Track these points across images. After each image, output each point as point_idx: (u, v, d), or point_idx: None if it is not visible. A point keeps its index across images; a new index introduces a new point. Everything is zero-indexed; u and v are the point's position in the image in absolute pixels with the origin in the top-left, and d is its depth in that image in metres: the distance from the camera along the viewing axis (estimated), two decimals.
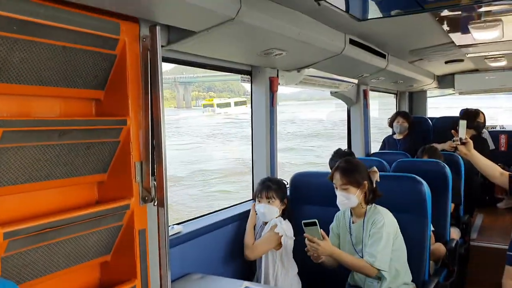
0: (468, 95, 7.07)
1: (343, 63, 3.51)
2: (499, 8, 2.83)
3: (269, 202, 3.00)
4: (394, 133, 5.62)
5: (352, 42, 3.17)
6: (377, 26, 2.96)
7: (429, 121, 6.31)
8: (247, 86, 3.52)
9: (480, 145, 5.24)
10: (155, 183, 1.94)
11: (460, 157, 4.35)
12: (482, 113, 5.49)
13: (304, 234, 2.53)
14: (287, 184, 3.30)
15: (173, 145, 20.01)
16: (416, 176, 2.95)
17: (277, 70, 3.44)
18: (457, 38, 3.71)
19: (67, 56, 1.66)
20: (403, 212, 2.87)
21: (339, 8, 1.81)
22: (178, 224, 2.70)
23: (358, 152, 5.14)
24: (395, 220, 2.67)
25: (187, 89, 62.85)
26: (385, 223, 2.57)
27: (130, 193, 1.91)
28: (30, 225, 1.55)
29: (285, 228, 2.97)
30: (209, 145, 22.43)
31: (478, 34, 3.45)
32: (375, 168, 2.72)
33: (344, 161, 2.74)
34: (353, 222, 2.74)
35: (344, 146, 4.94)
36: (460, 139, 2.83)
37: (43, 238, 1.61)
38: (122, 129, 1.87)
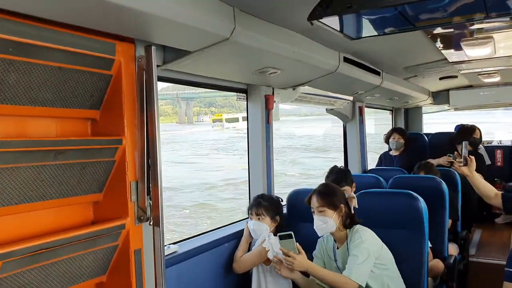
0: (467, 110, 7.13)
1: (338, 81, 3.54)
2: (490, 25, 2.88)
3: (259, 219, 3.01)
4: (390, 149, 5.63)
5: (346, 60, 3.20)
6: (371, 44, 3.00)
7: (425, 137, 6.34)
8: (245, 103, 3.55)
9: (476, 160, 5.26)
10: (151, 202, 1.93)
11: (456, 173, 4.37)
12: (478, 128, 5.52)
13: (279, 248, 2.52)
14: (282, 201, 3.29)
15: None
16: (413, 193, 2.95)
17: (273, 88, 3.47)
18: (450, 55, 3.75)
19: (63, 76, 1.67)
20: (400, 228, 2.87)
21: (332, 28, 1.84)
22: (174, 243, 2.69)
23: (355, 169, 5.14)
24: (376, 237, 2.66)
25: (189, 105, 63.15)
26: (363, 240, 2.57)
27: (126, 213, 1.90)
28: (24, 246, 1.54)
29: (273, 243, 2.95)
30: (228, 158, 23.89)
31: (471, 51, 3.50)
32: (353, 194, 2.75)
33: (321, 185, 2.78)
34: (337, 248, 2.73)
35: (336, 158, 4.94)
36: (464, 158, 2.84)
37: (38, 259, 1.60)
38: (118, 148, 1.88)
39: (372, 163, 5.68)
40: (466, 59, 3.90)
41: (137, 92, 1.92)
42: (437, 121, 10.42)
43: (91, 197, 1.91)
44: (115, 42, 1.82)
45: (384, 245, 2.65)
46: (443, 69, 4.51)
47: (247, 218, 3.44)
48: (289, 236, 2.50)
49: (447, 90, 6.54)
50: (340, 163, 4.89)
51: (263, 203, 3.06)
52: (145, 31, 1.83)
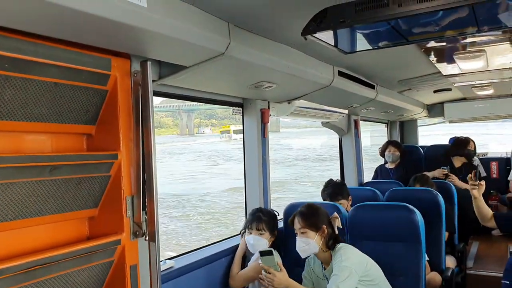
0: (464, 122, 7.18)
1: (333, 95, 3.57)
2: (482, 39, 2.92)
3: (260, 234, 2.98)
4: (386, 162, 5.64)
5: (340, 74, 3.23)
6: (365, 58, 3.03)
7: (421, 149, 6.35)
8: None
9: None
10: (146, 217, 1.93)
11: (452, 185, 4.38)
12: (472, 140, 5.55)
13: (260, 264, 2.51)
14: (278, 215, 3.28)
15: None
16: (409, 205, 2.95)
17: (268, 102, 3.49)
18: (444, 68, 3.79)
19: (58, 92, 1.68)
20: (397, 241, 2.86)
21: (326, 42, 1.86)
22: (170, 259, 2.67)
23: (351, 182, 5.14)
24: (359, 254, 2.62)
25: (190, 117, 63.30)
26: (343, 259, 2.52)
27: (121, 228, 1.90)
28: (19, 262, 1.53)
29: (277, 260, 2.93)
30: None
31: (464, 64, 3.54)
32: (336, 214, 2.72)
33: (304, 206, 2.75)
34: (325, 269, 2.71)
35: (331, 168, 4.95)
36: (479, 182, 2.98)
37: (32, 276, 1.59)
38: (113, 163, 1.88)
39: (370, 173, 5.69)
40: (460, 72, 3.93)
41: (132, 107, 1.93)
42: (436, 132, 10.51)
43: (87, 213, 1.90)
44: (111, 58, 1.84)
45: (371, 261, 2.61)
46: (437, 82, 4.55)
47: (243, 232, 3.44)
48: (270, 253, 2.49)
49: (442, 103, 6.58)
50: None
51: (263, 218, 3.03)
52: (140, 47, 1.84)
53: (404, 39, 1.89)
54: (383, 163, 5.70)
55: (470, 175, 3.05)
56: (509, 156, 6.11)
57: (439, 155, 5.53)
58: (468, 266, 4.48)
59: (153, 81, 2.07)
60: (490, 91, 5.50)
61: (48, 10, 1.34)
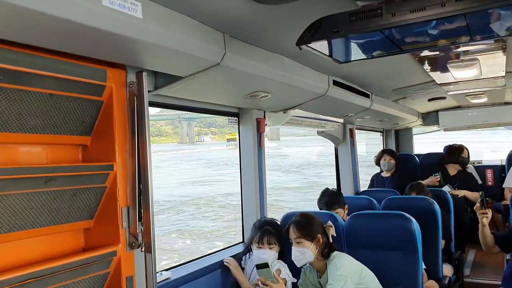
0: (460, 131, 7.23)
1: (328, 104, 3.58)
2: (475, 48, 2.95)
3: (270, 248, 2.96)
4: (381, 170, 5.65)
5: (335, 83, 3.25)
6: (360, 67, 3.05)
7: (416, 158, 6.38)
8: None
9: (467, 180, 5.31)
10: (142, 228, 1.92)
11: (448, 193, 4.39)
12: (466, 148, 5.58)
13: (257, 277, 2.50)
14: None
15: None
16: (405, 214, 2.95)
17: (264, 112, 3.50)
18: (438, 76, 3.82)
19: (53, 103, 1.68)
20: (394, 250, 2.86)
21: (320, 52, 1.88)
22: (166, 270, 2.65)
23: (348, 191, 5.15)
24: (353, 262, 2.63)
25: (190, 125, 63.28)
26: (338, 268, 2.53)
27: (117, 239, 1.89)
28: (14, 275, 1.51)
29: (288, 272, 2.92)
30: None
31: (457, 73, 3.57)
32: (330, 223, 2.73)
33: (299, 216, 2.76)
34: (320, 277, 2.71)
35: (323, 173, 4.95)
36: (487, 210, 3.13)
37: None
38: (109, 174, 1.87)
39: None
40: (453, 80, 3.96)
41: (128, 117, 1.93)
42: (435, 140, 10.60)
43: (82, 224, 1.89)
44: (106, 69, 1.84)
45: (366, 269, 2.62)
46: (431, 90, 4.58)
47: (241, 243, 3.42)
48: (266, 266, 2.49)
49: (436, 111, 6.63)
50: None
51: (272, 231, 3.00)
52: (136, 58, 1.85)
53: (398, 48, 1.91)
54: (379, 171, 5.71)
55: (477, 204, 3.14)
56: (504, 163, 6.13)
57: (435, 163, 5.56)
58: (465, 274, 4.48)
59: (148, 91, 2.07)
60: (484, 99, 5.55)
61: (44, 22, 1.35)
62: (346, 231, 3.06)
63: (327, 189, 3.89)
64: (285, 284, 2.85)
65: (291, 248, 2.66)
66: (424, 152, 6.62)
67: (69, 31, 1.45)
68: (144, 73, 1.92)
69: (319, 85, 3.06)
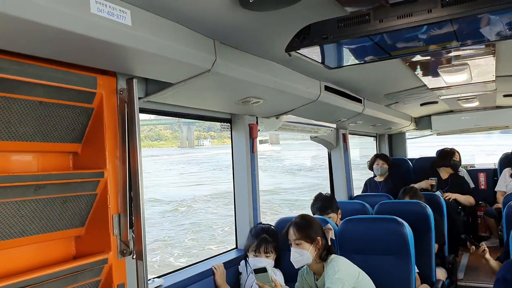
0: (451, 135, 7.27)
1: (320, 109, 3.59)
2: (466, 52, 2.97)
3: (267, 256, 2.95)
4: (375, 175, 5.67)
5: (327, 88, 3.26)
6: (351, 73, 3.06)
7: (409, 162, 6.40)
8: None
9: (460, 183, 5.34)
10: (133, 235, 1.91)
11: (441, 197, 4.41)
12: (457, 151, 5.62)
13: (255, 282, 2.51)
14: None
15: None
16: (398, 218, 2.96)
17: (256, 117, 3.50)
18: (429, 81, 3.84)
19: (44, 111, 1.68)
20: (387, 254, 2.86)
21: (309, 58, 1.89)
22: (158, 277, 2.64)
23: (341, 196, 5.15)
24: (351, 265, 2.63)
25: (190, 129, 63.08)
26: (336, 271, 2.53)
27: (108, 247, 1.88)
28: (4, 284, 1.50)
29: (280, 280, 2.92)
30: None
31: (448, 77, 3.59)
32: (329, 226, 2.74)
33: (299, 217, 2.76)
34: (317, 280, 2.71)
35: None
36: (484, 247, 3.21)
37: None
38: (100, 181, 1.87)
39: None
40: (445, 85, 3.99)
41: (119, 124, 1.92)
42: (431, 144, 10.68)
43: (73, 232, 1.88)
44: (97, 76, 1.84)
45: (363, 272, 2.63)
46: (423, 95, 4.61)
47: (234, 249, 3.42)
48: (264, 270, 2.49)
49: (429, 116, 6.66)
50: None
51: (269, 239, 2.99)
52: (126, 65, 1.85)
53: (387, 54, 1.92)
54: (372, 176, 5.73)
55: (472, 247, 3.30)
56: (496, 167, 6.17)
57: (428, 167, 5.58)
58: (459, 277, 4.49)
59: (139, 98, 2.07)
60: (475, 104, 5.59)
61: (33, 30, 1.35)
62: (339, 236, 3.06)
63: (320, 193, 3.89)
64: None
65: (290, 250, 2.66)
66: (419, 156, 6.65)
67: (59, 39, 1.45)
68: (135, 80, 1.93)
69: (311, 91, 3.08)
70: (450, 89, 4.33)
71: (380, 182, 5.53)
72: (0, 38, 1.38)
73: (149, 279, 2.35)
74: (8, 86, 1.51)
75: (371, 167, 5.63)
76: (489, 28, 1.73)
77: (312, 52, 1.84)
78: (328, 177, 5.46)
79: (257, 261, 2.94)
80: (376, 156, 5.64)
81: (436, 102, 5.32)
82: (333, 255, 2.65)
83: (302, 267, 2.76)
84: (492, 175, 6.20)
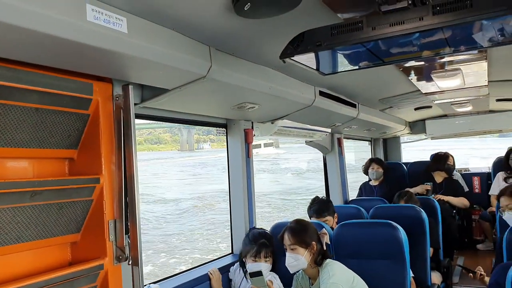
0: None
1: (315, 114, 3.62)
2: (458, 57, 3.00)
3: (266, 261, 2.96)
4: (370, 179, 5.69)
5: (322, 93, 3.29)
6: (345, 78, 3.09)
7: (404, 166, 6.43)
8: None
9: (454, 187, 5.37)
10: (129, 241, 1.91)
11: (435, 201, 4.43)
12: (451, 155, 5.65)
13: (251, 285, 2.52)
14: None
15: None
16: (392, 222, 2.98)
17: (252, 122, 3.52)
18: (423, 86, 3.88)
19: (40, 117, 1.68)
20: (382, 258, 2.88)
21: (303, 64, 1.91)
22: (154, 283, 2.64)
23: (337, 200, 5.17)
24: (346, 269, 2.65)
25: (190, 133, 62.91)
26: (330, 276, 2.54)
27: (104, 253, 1.88)
28: None
29: (279, 284, 2.93)
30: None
31: (441, 82, 3.63)
32: (324, 230, 2.75)
33: (294, 222, 2.78)
34: (312, 284, 2.72)
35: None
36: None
37: None
38: (95, 187, 1.87)
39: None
40: (438, 90, 4.03)
41: (114, 130, 1.93)
42: (430, 147, 10.77)
43: (69, 238, 1.88)
44: (93, 82, 1.85)
45: (358, 277, 2.64)
46: (417, 99, 4.64)
47: (230, 254, 3.42)
48: (259, 274, 2.51)
49: (423, 120, 6.71)
50: None
51: (267, 244, 2.99)
52: (122, 71, 1.86)
53: (380, 60, 1.94)
54: (367, 180, 5.75)
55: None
56: (490, 171, 6.21)
57: (422, 171, 5.61)
58: (454, 281, 4.51)
59: (135, 104, 2.08)
60: (469, 108, 5.63)
61: (30, 38, 1.36)
62: (335, 240, 3.08)
63: (316, 197, 3.91)
64: None
65: (285, 255, 2.67)
66: (414, 160, 6.68)
67: (55, 46, 1.46)
68: (130, 86, 1.94)
69: (306, 96, 3.10)
70: (444, 94, 4.37)
71: (375, 186, 5.55)
72: None
73: (145, 285, 2.35)
74: (4, 93, 1.52)
75: (366, 171, 5.65)
76: (481, 35, 1.75)
77: (307, 59, 1.86)
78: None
79: (256, 266, 2.94)
80: (371, 160, 5.67)
81: (430, 107, 5.36)
82: (328, 260, 2.66)
83: (297, 271, 2.77)
84: (486, 179, 6.25)
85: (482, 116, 6.29)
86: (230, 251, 3.50)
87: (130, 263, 1.93)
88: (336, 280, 2.52)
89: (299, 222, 2.77)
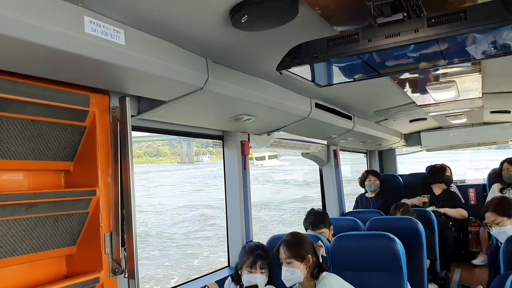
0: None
1: (311, 126, 3.63)
2: (453, 70, 3.03)
3: (262, 272, 2.93)
4: (366, 191, 5.69)
5: (318, 106, 3.30)
6: (341, 90, 3.11)
7: (400, 178, 6.44)
8: None
9: (452, 198, 5.37)
10: (125, 254, 1.90)
11: (432, 213, 4.44)
12: (448, 167, 5.67)
13: None
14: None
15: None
16: (389, 234, 2.97)
17: (248, 134, 3.52)
18: (418, 98, 3.90)
19: (36, 129, 1.68)
20: (379, 271, 2.87)
21: (300, 76, 1.92)
22: None
23: (333, 212, 5.16)
24: (342, 282, 2.63)
25: (190, 145, 62.83)
26: None
27: (100, 266, 1.87)
28: None
29: None
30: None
31: (436, 94, 3.65)
32: (320, 243, 2.74)
33: (289, 235, 2.76)
34: None
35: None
36: None
37: None
38: (91, 199, 1.86)
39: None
40: (433, 102, 4.05)
41: (111, 142, 1.93)
42: (428, 160, 10.83)
43: (64, 251, 1.87)
44: (89, 94, 1.85)
45: None
46: (412, 112, 4.67)
47: (227, 267, 3.40)
48: (255, 287, 2.48)
49: (418, 132, 6.74)
50: None
51: (264, 255, 2.97)
52: (119, 83, 1.86)
53: (376, 72, 1.96)
54: (364, 192, 5.75)
55: None
56: (485, 182, 6.23)
57: (418, 183, 5.62)
58: None
59: (132, 116, 2.08)
60: (463, 120, 5.67)
61: (27, 49, 1.36)
62: (332, 253, 3.07)
63: (312, 209, 3.90)
64: None
65: (281, 268, 2.65)
66: (410, 172, 6.70)
67: (53, 58, 1.47)
68: (127, 98, 1.94)
69: (302, 108, 3.11)
70: (438, 106, 4.40)
71: (371, 198, 5.55)
72: None
73: None
74: (0, 104, 1.52)
75: (362, 184, 5.65)
76: (475, 47, 1.77)
77: (303, 71, 1.87)
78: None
79: (252, 277, 2.91)
80: (368, 173, 5.67)
81: (425, 119, 5.39)
82: (324, 273, 2.64)
83: (293, 285, 2.75)
84: (482, 190, 6.26)
85: (477, 128, 6.33)
86: (227, 264, 3.47)
87: (126, 276, 1.91)
88: None
89: (294, 236, 2.76)
